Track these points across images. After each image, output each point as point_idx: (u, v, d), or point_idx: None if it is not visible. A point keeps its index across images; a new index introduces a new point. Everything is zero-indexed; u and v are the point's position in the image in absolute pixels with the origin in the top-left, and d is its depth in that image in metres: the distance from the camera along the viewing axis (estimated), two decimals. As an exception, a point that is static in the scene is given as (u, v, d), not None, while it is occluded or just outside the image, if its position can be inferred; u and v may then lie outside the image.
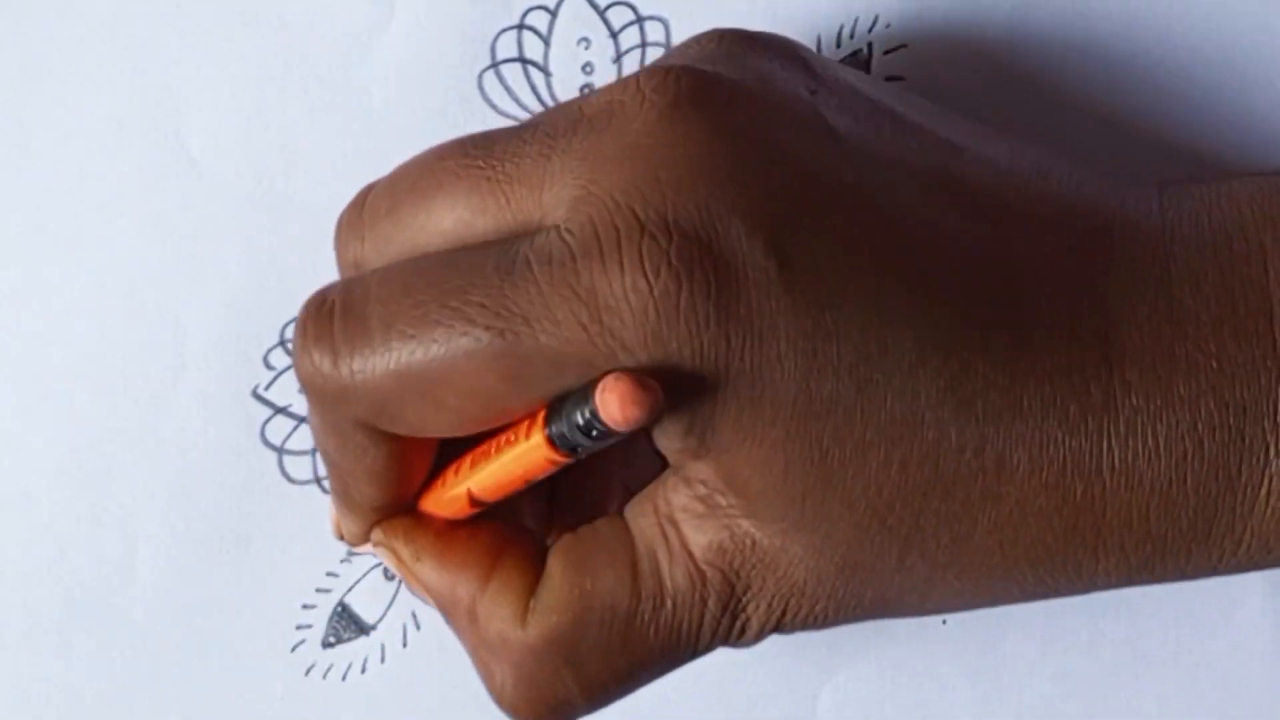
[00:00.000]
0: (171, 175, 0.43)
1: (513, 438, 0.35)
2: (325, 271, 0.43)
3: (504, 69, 0.43)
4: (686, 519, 0.35)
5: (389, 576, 0.44)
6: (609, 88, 0.35)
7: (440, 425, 0.34)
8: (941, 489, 0.33)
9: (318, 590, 0.44)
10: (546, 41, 0.43)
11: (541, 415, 0.33)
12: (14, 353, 0.43)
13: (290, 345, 0.43)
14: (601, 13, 0.43)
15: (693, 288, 0.32)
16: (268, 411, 0.43)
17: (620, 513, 0.37)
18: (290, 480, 0.44)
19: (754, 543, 0.34)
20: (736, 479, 0.34)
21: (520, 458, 0.34)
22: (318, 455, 0.44)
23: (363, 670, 0.44)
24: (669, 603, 0.35)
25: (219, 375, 0.43)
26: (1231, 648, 0.44)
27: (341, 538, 0.40)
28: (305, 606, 0.44)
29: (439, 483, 0.38)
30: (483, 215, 0.35)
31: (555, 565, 0.36)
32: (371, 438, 0.36)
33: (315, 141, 0.43)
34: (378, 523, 0.39)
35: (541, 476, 0.35)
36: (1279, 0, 0.42)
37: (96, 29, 0.42)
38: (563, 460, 0.34)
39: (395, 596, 0.44)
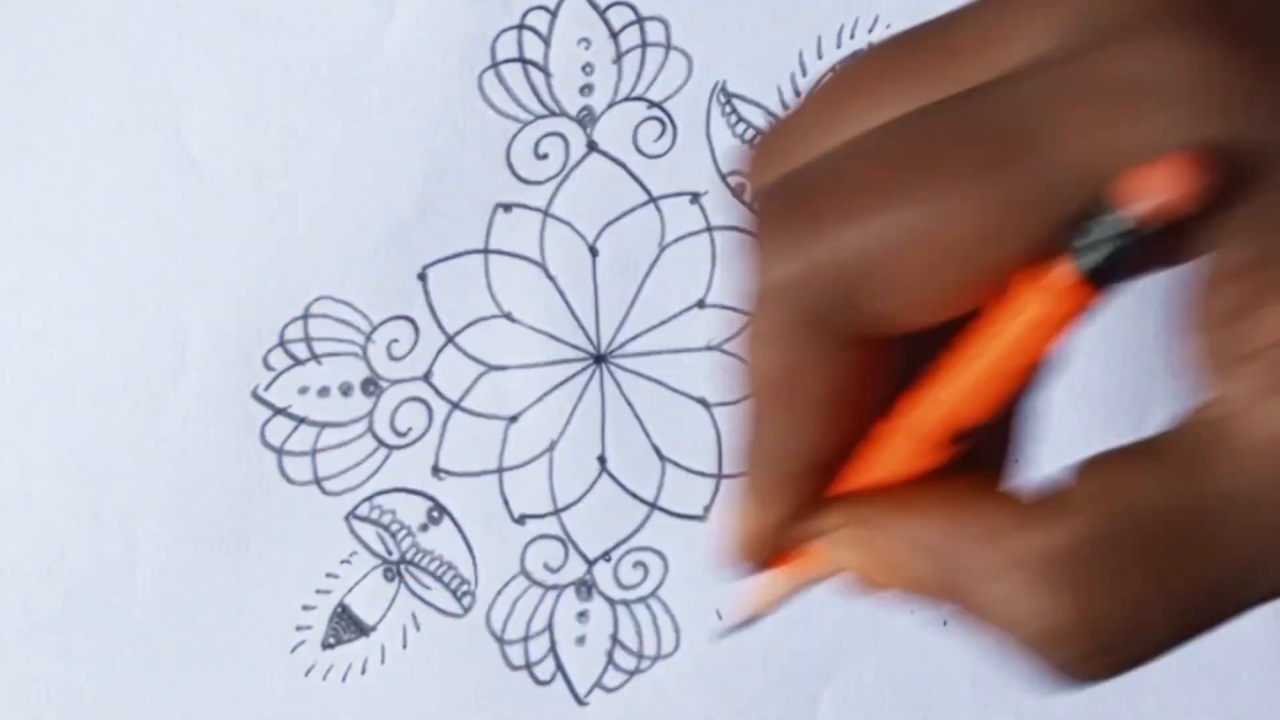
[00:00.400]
0: (172, 175, 0.43)
1: (993, 326, 0.29)
2: (327, 271, 0.43)
3: (504, 69, 0.43)
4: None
5: (388, 578, 0.44)
6: None
7: (922, 298, 0.29)
8: None
9: (317, 591, 0.44)
10: (547, 42, 0.43)
11: (1026, 277, 0.28)
12: (14, 353, 0.43)
13: (288, 348, 0.43)
14: (602, 13, 0.43)
15: (1234, 63, 0.27)
16: (267, 412, 0.43)
17: None
18: (290, 481, 0.44)
19: None
20: None
21: (1021, 333, 0.29)
22: (317, 456, 0.44)
23: (363, 671, 0.44)
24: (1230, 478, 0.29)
25: (219, 376, 0.43)
26: (1232, 648, 0.44)
27: (745, 559, 0.33)
28: (305, 607, 0.44)
29: (881, 440, 0.32)
30: (938, 91, 0.30)
31: (1070, 477, 0.29)
32: (831, 341, 0.30)
33: (315, 141, 0.43)
34: (807, 499, 0.32)
35: (1047, 350, 0.30)
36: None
37: (96, 29, 0.42)
38: (1091, 301, 0.28)
39: (395, 598, 0.44)
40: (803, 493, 0.32)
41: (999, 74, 0.29)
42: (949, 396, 0.30)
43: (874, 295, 0.29)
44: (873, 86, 0.31)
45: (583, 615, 0.44)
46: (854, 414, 0.31)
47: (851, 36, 0.43)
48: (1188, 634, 0.29)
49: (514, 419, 0.44)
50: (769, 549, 0.32)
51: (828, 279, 0.29)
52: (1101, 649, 0.29)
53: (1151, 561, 0.28)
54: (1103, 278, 0.28)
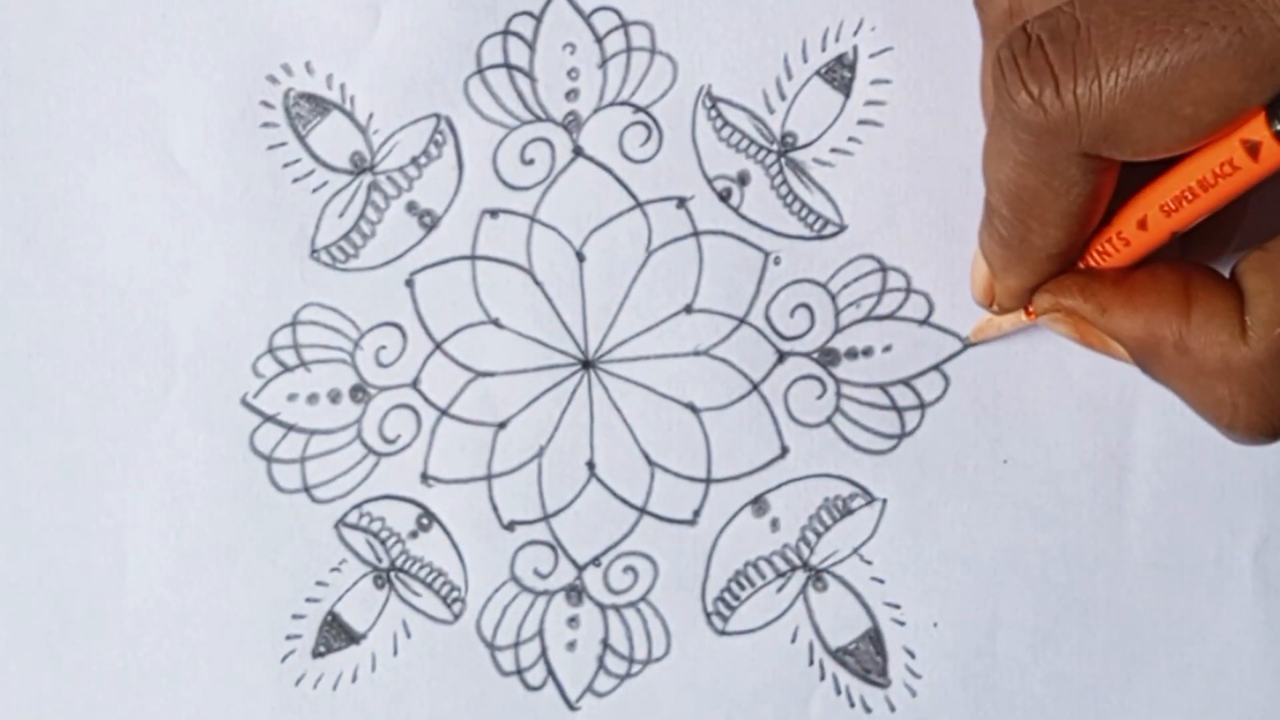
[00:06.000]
0: (158, 183, 0.43)
1: (1219, 159, 0.34)
2: (314, 279, 0.43)
3: (489, 75, 0.43)
4: None
5: (378, 585, 0.44)
6: None
7: (1170, 139, 0.34)
8: None
9: (307, 600, 0.44)
10: (532, 47, 0.43)
11: (1259, 118, 0.33)
12: (3, 362, 0.43)
13: (277, 354, 0.43)
14: (586, 18, 0.43)
15: None
16: (256, 419, 0.43)
17: None
18: (279, 489, 0.44)
19: None
20: None
21: (1232, 175, 0.34)
22: (306, 464, 0.44)
23: (354, 679, 0.44)
24: None
25: (208, 383, 0.43)
26: (1222, 649, 0.44)
27: (985, 304, 0.40)
28: (295, 616, 0.44)
29: (1109, 228, 0.38)
30: None
31: (1259, 282, 0.36)
32: (1084, 170, 0.35)
33: (301, 148, 0.43)
34: (1044, 279, 0.39)
35: (1246, 188, 0.35)
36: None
37: (82, 38, 0.42)
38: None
39: (385, 605, 0.44)
40: (1041, 271, 0.38)
41: None
42: (1155, 208, 0.36)
43: (1127, 134, 0.34)
44: None
45: (573, 620, 0.44)
46: (1097, 212, 0.37)
47: (836, 39, 0.43)
48: None
49: (502, 425, 0.44)
50: (1014, 301, 0.40)
51: (1091, 121, 0.34)
52: (1275, 434, 0.36)
53: None
54: None
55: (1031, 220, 0.37)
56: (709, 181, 0.43)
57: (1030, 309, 0.40)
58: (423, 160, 0.43)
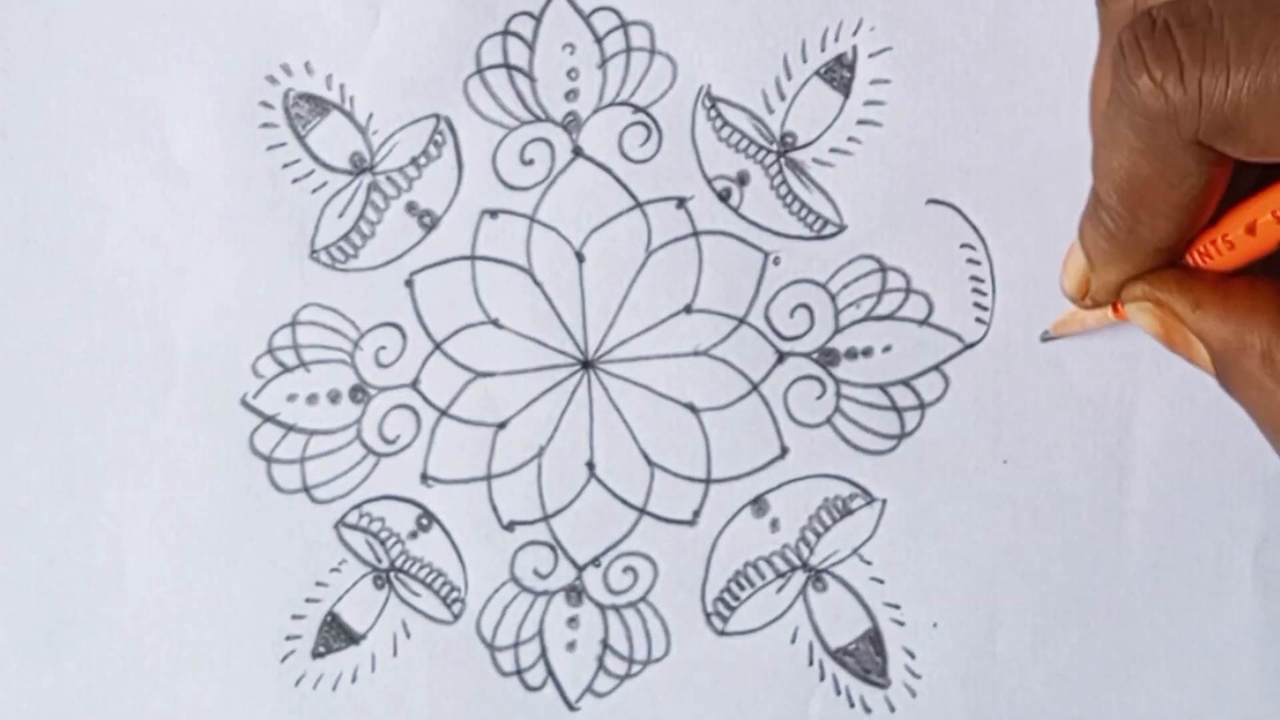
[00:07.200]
0: (158, 183, 0.43)
1: None
2: (314, 279, 0.43)
3: (489, 75, 0.43)
4: None
5: (378, 585, 0.44)
6: None
7: None
8: None
9: (307, 600, 0.44)
10: (531, 48, 0.43)
11: None
12: (3, 362, 0.43)
13: (276, 355, 0.43)
14: (586, 18, 0.43)
15: None
16: (256, 420, 0.43)
17: None
18: (279, 489, 0.44)
19: None
20: None
21: None
22: (306, 464, 0.44)
23: (353, 680, 0.44)
24: None
25: (208, 383, 0.43)
26: (1221, 648, 0.44)
27: (1078, 298, 0.40)
28: (295, 616, 0.44)
29: (1214, 229, 0.37)
30: None
31: None
32: (1199, 161, 0.35)
33: (301, 149, 0.43)
34: (1144, 272, 0.38)
35: None
36: None
37: (81, 38, 0.43)
38: None
39: (385, 606, 0.44)
40: (1142, 264, 0.37)
41: None
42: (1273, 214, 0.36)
43: (1246, 132, 0.33)
44: None
45: (573, 621, 0.44)
46: (1207, 209, 0.36)
47: (835, 39, 0.43)
48: None
49: (502, 425, 0.44)
50: (1109, 295, 0.39)
51: (1212, 112, 0.33)
52: None
53: None
54: None
55: (1141, 211, 0.36)
56: (708, 181, 0.43)
57: (1121, 301, 0.39)
58: (422, 160, 0.43)
